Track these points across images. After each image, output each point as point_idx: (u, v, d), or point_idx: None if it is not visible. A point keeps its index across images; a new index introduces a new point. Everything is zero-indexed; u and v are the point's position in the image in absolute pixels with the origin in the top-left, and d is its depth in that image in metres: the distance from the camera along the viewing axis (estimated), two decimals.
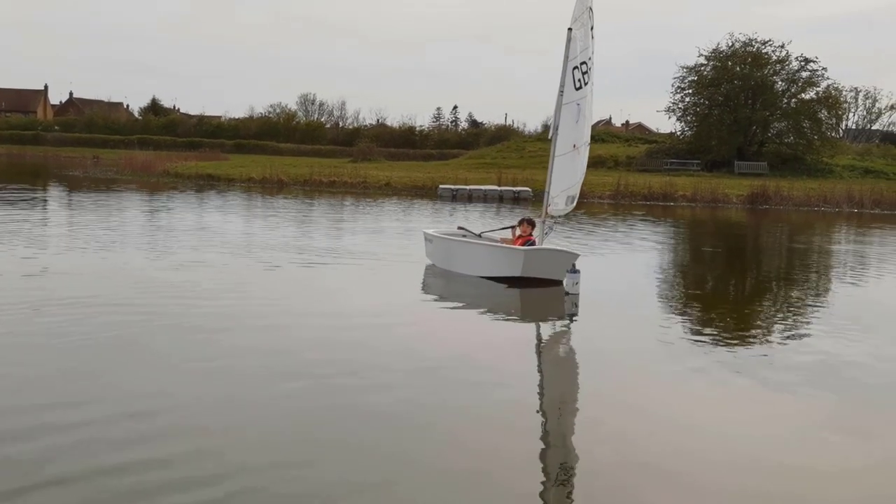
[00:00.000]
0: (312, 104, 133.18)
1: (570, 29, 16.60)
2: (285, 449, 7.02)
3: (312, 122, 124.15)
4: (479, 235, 18.65)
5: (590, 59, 16.48)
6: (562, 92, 16.69)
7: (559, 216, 17.65)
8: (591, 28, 16.51)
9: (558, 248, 17.20)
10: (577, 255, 16.60)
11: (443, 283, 16.93)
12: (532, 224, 17.43)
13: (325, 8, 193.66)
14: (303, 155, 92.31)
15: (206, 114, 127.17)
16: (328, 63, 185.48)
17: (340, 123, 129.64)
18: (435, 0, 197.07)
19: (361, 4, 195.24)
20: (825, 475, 6.94)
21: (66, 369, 9.11)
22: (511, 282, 16.14)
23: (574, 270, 15.34)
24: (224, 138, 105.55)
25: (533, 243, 16.90)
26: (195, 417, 7.76)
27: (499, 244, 17.45)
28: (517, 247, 16.82)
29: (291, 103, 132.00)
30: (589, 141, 16.84)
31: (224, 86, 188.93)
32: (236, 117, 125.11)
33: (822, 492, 6.62)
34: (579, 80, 16.49)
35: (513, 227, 17.95)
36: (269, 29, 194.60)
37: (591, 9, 16.55)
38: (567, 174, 16.74)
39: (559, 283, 15.74)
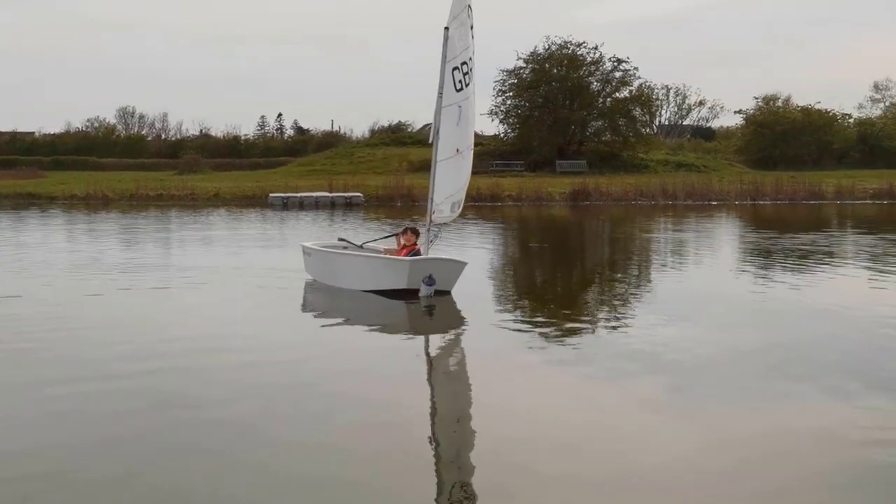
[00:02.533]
0: (132, 117, 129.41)
1: (446, 28, 15.88)
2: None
3: (133, 135, 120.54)
4: (361, 246, 17.70)
5: (470, 58, 15.81)
6: (441, 94, 15.97)
7: (444, 223, 16.86)
8: (471, 27, 15.86)
9: (444, 257, 16.60)
10: (464, 264, 16.11)
11: (323, 299, 16.05)
12: (416, 233, 16.49)
13: (133, 12, 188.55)
14: (126, 169, 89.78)
15: (18, 130, 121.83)
16: (146, 73, 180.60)
17: (163, 135, 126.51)
18: (248, 8, 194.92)
19: (172, 8, 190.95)
20: (648, 456, 7.21)
21: None
22: (397, 294, 15.27)
23: (430, 283, 14.96)
24: (40, 155, 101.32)
25: (418, 253, 16.03)
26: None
27: (382, 255, 16.56)
28: (401, 258, 15.86)
29: (110, 117, 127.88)
30: (472, 144, 16.30)
31: (36, 100, 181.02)
32: (52, 133, 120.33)
33: (645, 472, 6.88)
34: (460, 81, 15.83)
35: (397, 236, 17.03)
36: (79, 38, 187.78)
37: (469, 6, 15.84)
38: (451, 179, 16.13)
39: (447, 293, 15.33)
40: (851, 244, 27.12)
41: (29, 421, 8.19)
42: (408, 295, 15.10)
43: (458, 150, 15.96)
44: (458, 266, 15.91)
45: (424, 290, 14.97)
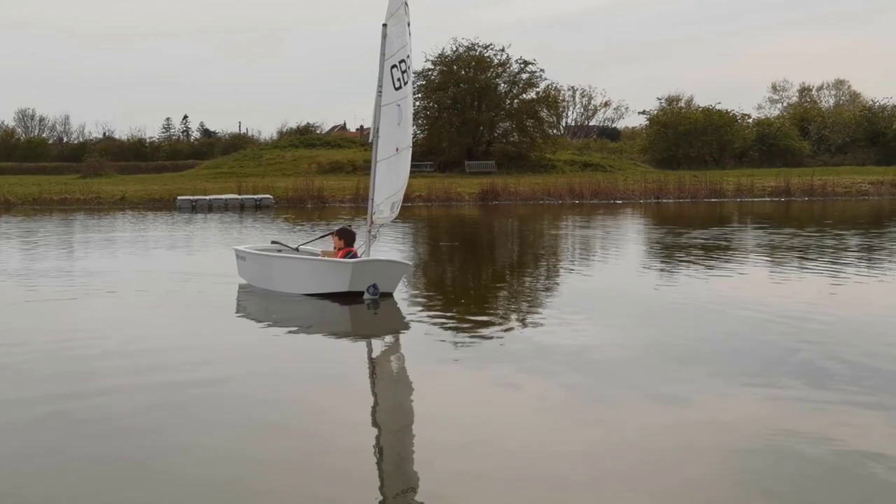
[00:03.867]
0: (32, 120, 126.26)
1: (384, 25, 15.63)
2: None
3: (34, 138, 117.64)
4: (297, 249, 17.27)
5: (408, 56, 15.71)
6: (380, 92, 15.72)
7: (382, 224, 16.57)
8: (408, 24, 15.72)
9: (388, 258, 16.49)
10: (408, 266, 16.11)
11: (261, 304, 15.60)
12: (348, 234, 16.16)
13: (28, 10, 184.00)
14: (26, 173, 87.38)
15: None
16: (45, 74, 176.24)
17: (65, 139, 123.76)
18: (153, 6, 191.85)
19: (68, 5, 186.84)
20: (560, 456, 7.34)
21: None
22: (337, 298, 15.01)
23: (374, 292, 14.77)
24: None
25: (354, 255, 15.71)
26: None
27: (321, 258, 16.27)
28: (343, 260, 15.52)
29: (9, 119, 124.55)
30: (410, 144, 16.16)
31: None
32: None
33: (557, 471, 7.01)
34: (398, 80, 15.63)
35: (332, 234, 16.69)
36: None
37: (406, 3, 15.66)
38: (390, 180, 15.93)
39: (389, 295, 15.21)
40: (749, 239, 28.13)
41: None
42: (349, 298, 14.89)
43: (397, 150, 15.80)
44: (401, 267, 15.91)
45: (368, 297, 14.81)
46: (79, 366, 10.54)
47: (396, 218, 16.81)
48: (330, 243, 16.88)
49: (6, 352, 11.30)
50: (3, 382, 9.84)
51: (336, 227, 17.00)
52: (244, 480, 6.87)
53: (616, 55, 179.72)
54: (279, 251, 17.21)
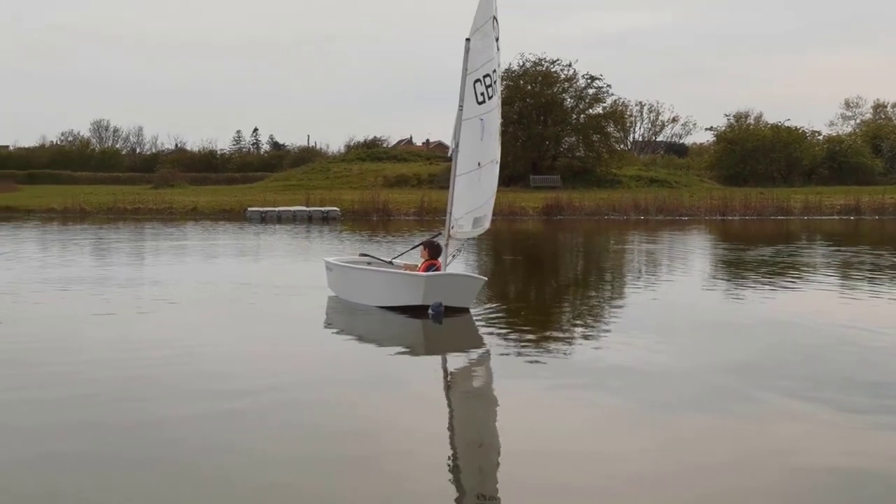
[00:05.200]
0: (107, 130, 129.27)
1: (468, 39, 15.51)
2: None
3: (108, 149, 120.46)
4: (391, 262, 17.27)
5: (494, 71, 15.54)
6: (461, 107, 15.53)
7: (466, 239, 16.58)
8: (496, 39, 15.58)
9: (461, 273, 16.29)
10: (482, 280, 15.99)
11: (336, 316, 15.87)
12: (433, 247, 16.13)
13: (106, 23, 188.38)
14: (100, 183, 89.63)
15: None
16: (120, 86, 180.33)
17: (138, 149, 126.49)
18: (222, 20, 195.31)
19: (146, 18, 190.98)
20: (623, 471, 7.50)
21: None
22: (413, 311, 15.01)
23: (437, 308, 14.69)
24: (15, 168, 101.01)
25: (437, 268, 15.69)
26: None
27: (399, 271, 16.36)
28: (417, 273, 15.60)
29: (84, 130, 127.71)
30: (498, 158, 15.99)
31: (9, 113, 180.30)
32: (27, 146, 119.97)
33: (619, 485, 7.19)
34: (482, 94, 15.44)
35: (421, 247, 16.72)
36: (52, 51, 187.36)
37: (495, 18, 15.53)
38: (472, 194, 15.78)
39: (465, 310, 15.19)
40: (817, 257, 27.84)
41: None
42: (424, 311, 14.91)
43: (479, 164, 15.65)
44: (475, 282, 15.83)
45: (431, 313, 14.76)
46: (144, 372, 10.91)
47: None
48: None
49: (74, 359, 11.80)
50: (68, 387, 10.25)
51: (424, 240, 17.09)
52: (304, 484, 7.18)
53: (684, 70, 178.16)
54: (368, 263, 17.32)
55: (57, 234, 36.41)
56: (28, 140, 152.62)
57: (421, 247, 16.53)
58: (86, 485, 7.17)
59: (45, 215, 48.22)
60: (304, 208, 48.36)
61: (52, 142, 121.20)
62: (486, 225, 16.28)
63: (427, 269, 15.76)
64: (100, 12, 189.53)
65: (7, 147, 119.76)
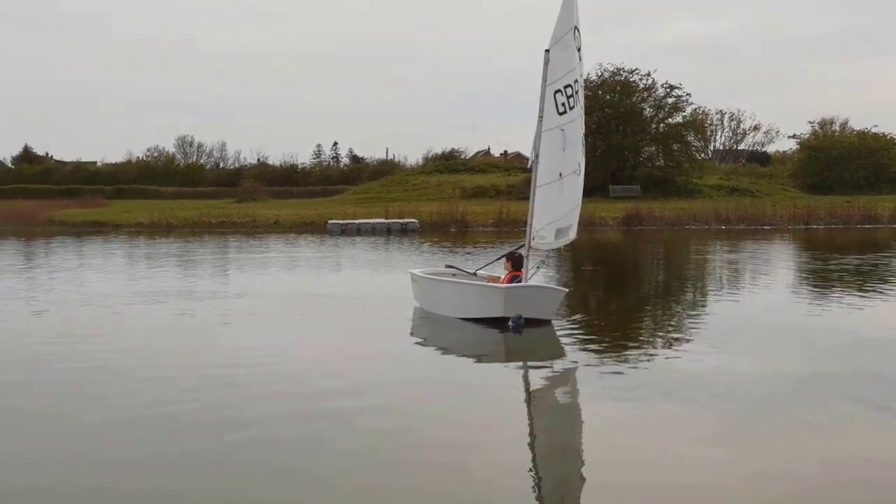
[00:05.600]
0: (191, 146, 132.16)
1: (547, 51, 15.42)
2: None
3: (193, 164, 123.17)
4: (475, 274, 17.46)
5: (576, 81, 15.43)
6: (541, 118, 15.49)
7: (549, 250, 16.52)
8: (578, 49, 15.47)
9: (543, 284, 16.11)
10: (563, 291, 15.86)
11: (422, 327, 16.01)
12: (516, 259, 16.13)
13: (193, 39, 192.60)
14: (185, 197, 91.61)
15: (81, 160, 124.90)
16: (203, 102, 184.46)
17: (221, 164, 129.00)
18: (302, 37, 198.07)
19: (228, 35, 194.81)
20: (704, 483, 7.47)
21: None
22: (494, 323, 15.04)
23: (517, 320, 14.62)
24: (102, 184, 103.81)
25: (520, 280, 15.71)
26: None
27: (480, 283, 16.42)
28: (498, 285, 15.65)
29: (170, 146, 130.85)
30: (580, 168, 15.86)
31: (98, 131, 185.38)
32: (113, 162, 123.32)
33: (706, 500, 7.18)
34: (563, 105, 15.37)
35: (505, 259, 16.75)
36: (136, 67, 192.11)
37: (577, 28, 15.42)
38: (553, 205, 15.66)
39: (546, 322, 15.15)
40: None
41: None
42: (505, 323, 14.87)
43: (560, 175, 15.56)
44: (556, 294, 15.70)
45: (511, 326, 14.74)
46: (234, 381, 11.26)
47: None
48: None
49: (160, 363, 12.30)
50: (159, 393, 10.63)
51: (507, 251, 17.09)
52: (395, 486, 7.42)
53: (766, 77, 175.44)
54: (453, 275, 17.44)
55: (145, 247, 37.34)
56: (115, 156, 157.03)
57: (504, 259, 16.54)
58: (193, 483, 7.53)
59: (133, 229, 49.51)
60: (383, 220, 48.87)
61: (138, 157, 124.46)
62: (572, 236, 16.18)
63: (510, 280, 15.75)
64: (184, 28, 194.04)
65: (95, 163, 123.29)
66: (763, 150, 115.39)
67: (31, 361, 12.55)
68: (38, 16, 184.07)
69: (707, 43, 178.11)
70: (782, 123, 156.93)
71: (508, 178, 76.34)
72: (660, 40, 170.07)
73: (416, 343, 14.92)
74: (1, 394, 10.75)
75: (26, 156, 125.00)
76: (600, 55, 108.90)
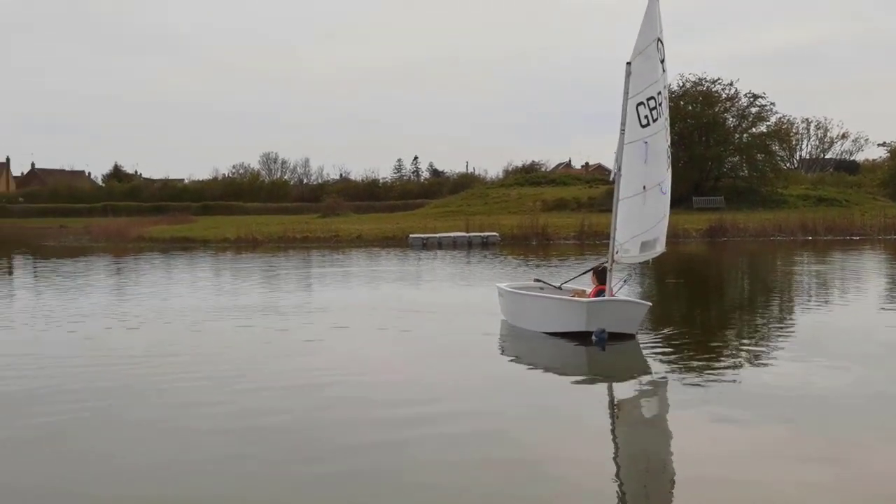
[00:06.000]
0: (275, 162, 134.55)
1: (628, 63, 15.43)
2: None
3: (277, 180, 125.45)
4: (559, 287, 17.40)
5: (659, 93, 15.40)
6: (623, 131, 15.48)
7: (634, 263, 16.41)
8: (662, 61, 15.44)
9: (625, 298, 15.95)
10: (647, 305, 15.73)
11: (506, 342, 16.06)
12: (602, 274, 16.06)
13: (271, 62, 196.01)
14: (269, 213, 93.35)
15: (169, 177, 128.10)
16: (287, 119, 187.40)
17: (304, 180, 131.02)
18: (382, 53, 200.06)
19: (309, 56, 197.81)
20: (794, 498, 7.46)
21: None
22: (578, 337, 15.07)
23: (601, 334, 14.65)
24: (190, 200, 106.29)
25: (605, 294, 15.65)
26: None
27: (563, 296, 16.29)
28: (580, 299, 15.59)
29: (254, 163, 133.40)
30: (665, 181, 15.82)
31: (185, 148, 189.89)
32: (200, 179, 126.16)
33: None
34: (646, 117, 15.34)
35: (593, 274, 16.75)
36: (221, 87, 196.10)
37: (660, 40, 15.40)
38: (637, 218, 15.61)
39: (630, 336, 15.11)
40: None
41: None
42: (589, 337, 14.87)
43: (644, 188, 15.51)
44: (640, 308, 15.56)
45: (595, 340, 14.75)
46: (321, 397, 11.49)
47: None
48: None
49: (249, 375, 12.61)
50: (250, 403, 10.95)
51: (593, 265, 17.07)
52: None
53: (854, 85, 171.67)
54: (540, 289, 17.43)
55: (231, 262, 38.09)
56: (201, 173, 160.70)
57: (591, 273, 16.52)
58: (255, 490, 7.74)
59: (220, 245, 50.51)
60: (463, 234, 49.04)
61: (223, 174, 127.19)
62: (659, 249, 16.07)
63: (596, 295, 15.72)
64: (269, 47, 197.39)
65: (182, 180, 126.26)
66: (851, 158, 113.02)
67: (128, 373, 12.93)
68: (121, 37, 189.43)
69: (794, 51, 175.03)
70: (872, 131, 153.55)
71: (590, 190, 76.03)
72: (744, 49, 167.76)
73: (500, 359, 14.89)
74: (106, 403, 11.10)
75: (116, 174, 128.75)
76: (681, 65, 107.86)
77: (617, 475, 8.45)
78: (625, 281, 16.13)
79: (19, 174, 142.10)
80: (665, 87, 15.66)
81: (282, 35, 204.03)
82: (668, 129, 15.84)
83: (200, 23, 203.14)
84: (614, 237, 15.77)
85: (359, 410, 10.54)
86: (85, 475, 8.32)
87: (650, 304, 16.17)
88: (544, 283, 17.94)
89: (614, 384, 12.59)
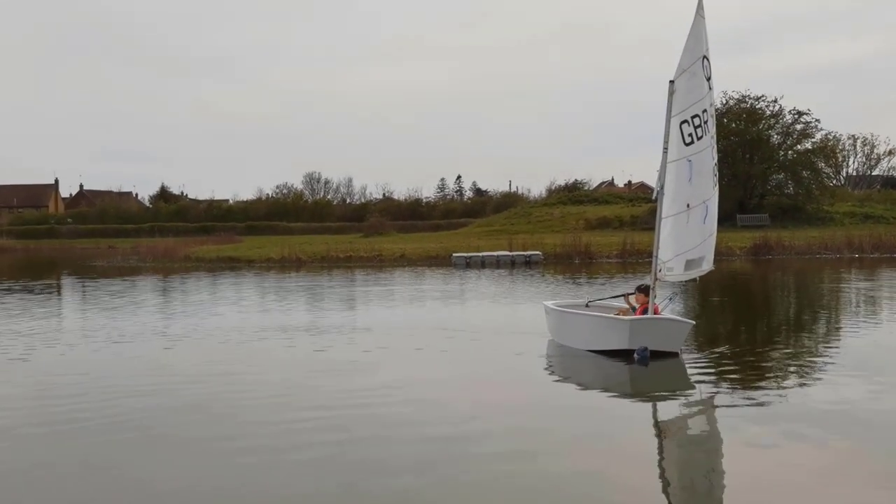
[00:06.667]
0: (318, 182, 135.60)
1: (671, 82, 15.52)
2: None
3: (320, 200, 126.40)
4: (587, 305, 17.80)
5: (705, 111, 15.36)
6: (666, 149, 15.57)
7: (681, 281, 16.56)
8: (708, 79, 15.41)
9: (668, 316, 15.83)
10: (690, 324, 15.69)
11: (552, 360, 16.08)
12: (646, 291, 16.11)
13: (310, 82, 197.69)
14: (313, 233, 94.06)
15: (215, 198, 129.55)
16: (330, 140, 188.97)
17: (347, 199, 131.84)
18: (422, 67, 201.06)
19: (343, 76, 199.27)
20: None
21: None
22: (622, 355, 15.23)
23: (643, 352, 14.80)
24: (235, 221, 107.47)
25: (654, 312, 15.73)
26: None
27: (606, 315, 16.40)
28: (622, 317, 15.76)
29: (298, 182, 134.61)
30: (712, 198, 15.75)
31: (230, 169, 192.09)
32: (245, 199, 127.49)
33: None
34: (690, 135, 15.35)
35: (625, 296, 17.06)
36: (266, 107, 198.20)
37: (706, 58, 15.40)
38: (681, 236, 15.62)
39: (674, 354, 15.19)
40: None
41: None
42: (631, 356, 15.04)
43: (688, 206, 15.53)
44: (683, 326, 15.53)
45: (637, 358, 14.88)
46: (366, 415, 11.71)
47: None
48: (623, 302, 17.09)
49: (292, 395, 12.88)
50: (290, 425, 11.17)
51: (640, 284, 17.08)
52: None
53: None
54: (586, 306, 17.60)
55: (275, 281, 38.47)
56: (246, 193, 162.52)
57: (638, 292, 16.47)
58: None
59: (265, 265, 50.99)
60: (507, 253, 49.14)
61: (267, 195, 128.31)
62: (706, 267, 16.03)
63: (642, 313, 15.76)
64: (310, 72, 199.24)
65: (227, 201, 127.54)
66: None
67: (169, 392, 13.26)
68: (167, 60, 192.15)
69: (837, 67, 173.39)
70: None
71: (633, 208, 75.76)
72: (790, 65, 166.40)
73: (545, 377, 14.88)
74: (151, 422, 11.36)
75: (163, 195, 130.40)
76: (728, 82, 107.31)
77: (664, 493, 8.48)
78: (670, 299, 16.12)
79: (68, 195, 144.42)
80: (711, 104, 15.63)
81: (324, 54, 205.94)
82: (715, 146, 15.79)
83: (245, 44, 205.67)
84: (657, 255, 15.80)
85: (406, 429, 10.68)
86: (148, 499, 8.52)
87: (693, 322, 16.13)
88: (591, 301, 18.08)
89: (657, 403, 12.61)
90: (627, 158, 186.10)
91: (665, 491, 8.61)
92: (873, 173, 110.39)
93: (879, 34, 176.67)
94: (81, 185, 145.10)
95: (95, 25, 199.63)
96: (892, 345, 17.18)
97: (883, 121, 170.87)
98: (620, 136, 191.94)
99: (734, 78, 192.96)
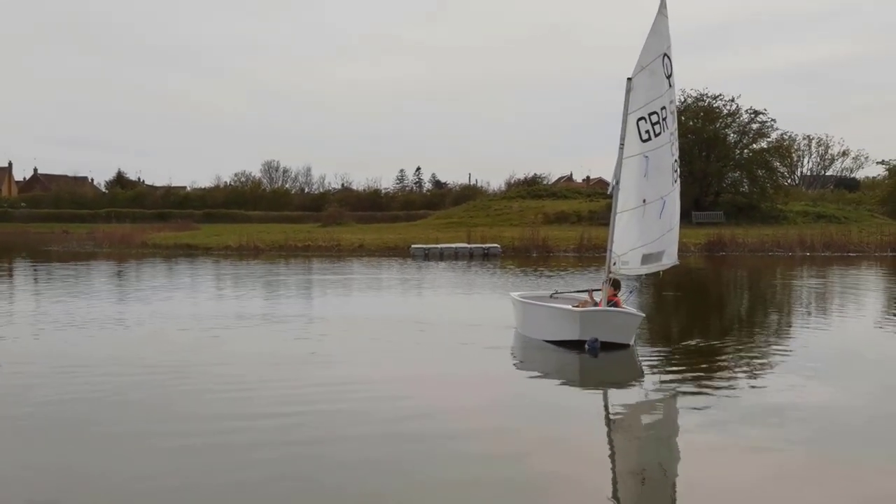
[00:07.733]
0: (276, 171, 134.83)
1: (629, 79, 15.62)
2: None
3: (278, 188, 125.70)
4: (552, 296, 18.08)
5: (664, 108, 15.50)
6: (622, 146, 15.67)
7: (641, 275, 16.60)
8: (668, 76, 15.55)
9: (617, 308, 15.83)
10: (640, 316, 15.82)
11: (517, 351, 16.22)
12: (616, 284, 16.21)
13: (271, 73, 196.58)
14: (271, 221, 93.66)
15: (172, 185, 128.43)
16: (289, 129, 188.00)
17: (306, 189, 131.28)
18: (388, 61, 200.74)
19: (307, 68, 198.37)
20: None
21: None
22: (577, 345, 15.36)
23: (594, 345, 14.99)
24: (192, 208, 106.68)
25: (617, 304, 15.86)
26: None
27: (558, 305, 16.67)
28: (574, 308, 15.91)
29: (256, 171, 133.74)
30: (671, 193, 15.88)
31: (188, 156, 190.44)
32: (203, 187, 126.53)
33: None
34: (647, 132, 15.47)
35: (590, 291, 17.15)
36: (226, 96, 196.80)
37: (667, 55, 15.54)
38: (637, 231, 15.79)
39: (625, 346, 15.33)
40: None
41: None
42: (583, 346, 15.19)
43: (644, 201, 15.68)
44: (632, 318, 15.65)
45: (588, 348, 15.08)
46: (337, 406, 11.87)
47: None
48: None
49: (245, 385, 12.90)
50: (239, 410, 11.20)
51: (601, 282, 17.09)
52: None
53: (856, 104, 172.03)
54: (551, 297, 17.88)
55: (232, 269, 38.33)
56: (203, 180, 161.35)
57: (609, 286, 16.41)
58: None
59: (222, 252, 50.75)
60: (465, 245, 49.37)
61: (226, 182, 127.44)
62: (667, 261, 16.25)
63: (609, 304, 15.94)
64: (270, 61, 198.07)
65: (184, 188, 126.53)
66: (852, 175, 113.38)
67: (117, 385, 12.83)
68: (125, 47, 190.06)
69: (799, 69, 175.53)
70: (874, 149, 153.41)
71: (591, 203, 76.23)
72: (749, 65, 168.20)
73: (506, 366, 14.94)
74: (102, 414, 11.37)
75: (119, 181, 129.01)
76: (692, 80, 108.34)
77: (607, 486, 8.62)
78: (631, 292, 16.29)
79: (21, 179, 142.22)
80: (672, 101, 15.81)
81: (285, 45, 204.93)
82: (676, 143, 15.96)
83: (202, 33, 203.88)
84: (611, 249, 16.03)
85: (359, 426, 10.54)
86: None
87: (643, 315, 16.31)
88: (558, 292, 18.36)
89: (606, 394, 12.76)
90: (589, 157, 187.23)
91: (612, 479, 8.81)
92: (827, 173, 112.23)
93: (837, 40, 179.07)
94: (35, 169, 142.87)
95: (55, 13, 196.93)
96: (842, 340, 17.53)
97: (837, 122, 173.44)
98: (585, 134, 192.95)
99: (700, 77, 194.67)
